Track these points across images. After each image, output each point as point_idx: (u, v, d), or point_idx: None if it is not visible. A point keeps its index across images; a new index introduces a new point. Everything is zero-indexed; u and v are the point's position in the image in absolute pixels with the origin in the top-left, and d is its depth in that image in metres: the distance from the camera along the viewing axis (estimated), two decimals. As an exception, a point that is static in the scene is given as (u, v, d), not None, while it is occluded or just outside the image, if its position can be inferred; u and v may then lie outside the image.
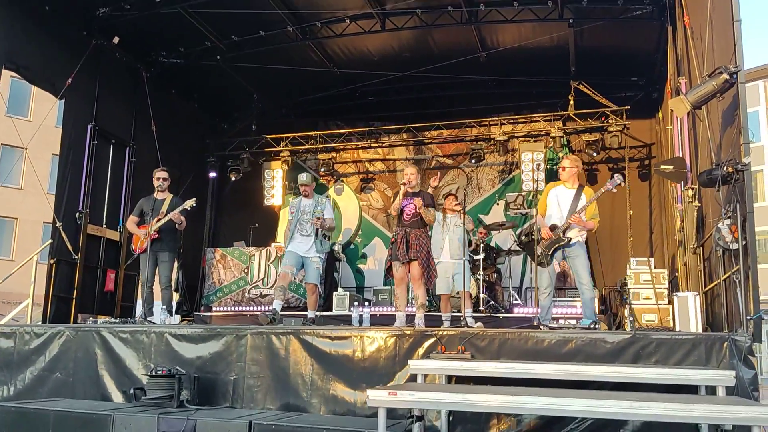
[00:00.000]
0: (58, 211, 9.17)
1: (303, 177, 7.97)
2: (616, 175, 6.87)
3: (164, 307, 7.89)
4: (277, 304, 7.36)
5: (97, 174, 9.83)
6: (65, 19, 9.26)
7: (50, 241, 9.11)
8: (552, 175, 10.51)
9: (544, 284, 6.82)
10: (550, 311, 6.92)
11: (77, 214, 9.42)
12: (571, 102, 10.83)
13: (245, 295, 10.87)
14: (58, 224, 9.09)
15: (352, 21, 9.85)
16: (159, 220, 7.83)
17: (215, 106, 12.82)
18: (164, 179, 8.12)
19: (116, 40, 9.97)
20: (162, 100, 11.09)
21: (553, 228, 6.76)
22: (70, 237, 9.21)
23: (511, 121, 11.70)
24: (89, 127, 9.71)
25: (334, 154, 12.76)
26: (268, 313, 7.17)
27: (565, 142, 11.21)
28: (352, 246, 12.42)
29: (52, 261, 9.03)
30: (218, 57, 10.61)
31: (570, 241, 6.71)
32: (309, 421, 5.31)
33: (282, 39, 10.34)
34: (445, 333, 5.67)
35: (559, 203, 6.82)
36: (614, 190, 6.81)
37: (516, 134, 11.62)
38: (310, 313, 7.69)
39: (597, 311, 9.28)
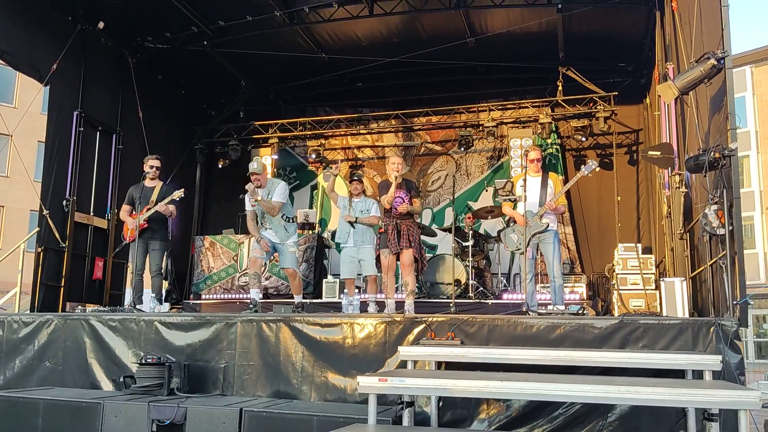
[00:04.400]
0: (44, 199, 9.10)
1: (253, 165, 7.33)
2: (591, 160, 7.13)
3: (154, 295, 7.86)
4: (254, 293, 7.27)
5: (83, 161, 9.75)
6: (49, 4, 9.14)
7: (37, 229, 9.04)
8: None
9: (527, 271, 6.91)
10: (535, 297, 7.03)
11: (64, 202, 9.35)
12: (560, 88, 10.84)
13: (234, 283, 10.85)
14: (45, 212, 9.02)
15: (340, 6, 9.77)
16: (148, 209, 7.78)
17: (202, 93, 12.73)
18: (157, 168, 8.04)
19: (101, 25, 9.88)
20: (148, 87, 11.01)
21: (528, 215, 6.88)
22: (58, 225, 9.15)
23: (500, 107, 11.70)
24: (75, 113, 9.62)
25: (323, 141, 12.72)
26: (250, 306, 7.14)
27: (554, 128, 11.24)
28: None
29: (39, 249, 8.97)
30: (205, 42, 10.51)
31: (548, 226, 6.86)
32: (300, 407, 5.32)
33: (269, 24, 10.25)
34: (434, 320, 5.69)
35: (529, 191, 6.95)
36: (589, 175, 7.02)
37: (505, 120, 11.63)
38: (297, 299, 7.60)
39: (585, 297, 9.41)
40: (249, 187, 7.28)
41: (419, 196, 7.51)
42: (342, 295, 7.51)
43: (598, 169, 7.03)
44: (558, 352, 5.03)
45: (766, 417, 6.46)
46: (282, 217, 7.35)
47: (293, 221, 7.50)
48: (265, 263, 7.65)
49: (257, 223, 7.42)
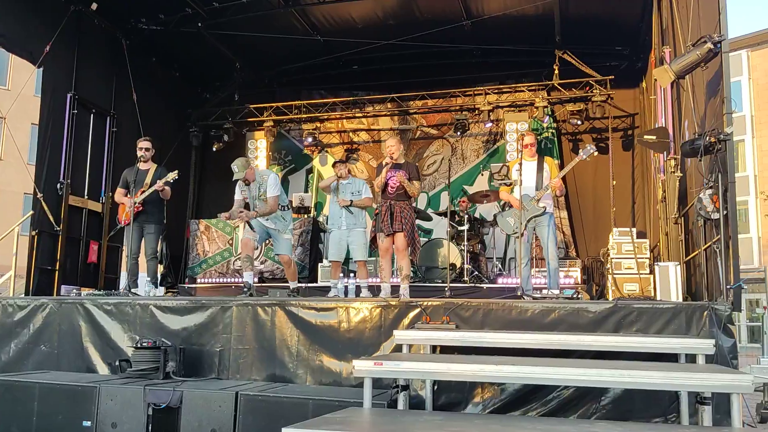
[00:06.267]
0: (38, 182, 9.06)
1: (234, 170, 7.23)
2: (589, 145, 7.16)
3: (149, 278, 7.86)
4: (248, 276, 7.28)
5: (77, 144, 9.68)
6: (42, -15, 9.05)
7: (31, 212, 9.01)
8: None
9: (522, 255, 6.94)
10: (530, 281, 7.06)
11: (58, 185, 9.30)
12: (556, 72, 10.80)
13: (230, 267, 10.84)
14: (39, 195, 8.98)
15: (335, -13, 9.70)
16: (143, 191, 7.76)
17: (197, 75, 12.65)
18: (147, 149, 8.02)
19: (94, 6, 9.76)
20: (142, 69, 10.92)
21: (525, 199, 6.90)
22: (52, 208, 9.12)
23: (496, 90, 11.64)
24: (69, 96, 9.54)
25: (318, 124, 12.65)
26: (245, 289, 7.15)
27: (550, 112, 11.21)
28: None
29: (33, 232, 8.94)
30: (199, 24, 10.40)
31: (545, 210, 6.89)
32: (295, 391, 5.35)
33: (264, 6, 10.14)
34: (430, 304, 5.71)
35: (525, 175, 6.98)
36: (587, 159, 7.04)
37: (501, 104, 11.59)
38: (292, 285, 7.62)
39: (579, 281, 9.44)
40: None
41: (419, 179, 7.50)
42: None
43: (596, 153, 7.06)
44: (552, 336, 5.06)
45: (758, 401, 6.53)
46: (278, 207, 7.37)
47: (288, 209, 7.54)
48: (258, 246, 7.64)
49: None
